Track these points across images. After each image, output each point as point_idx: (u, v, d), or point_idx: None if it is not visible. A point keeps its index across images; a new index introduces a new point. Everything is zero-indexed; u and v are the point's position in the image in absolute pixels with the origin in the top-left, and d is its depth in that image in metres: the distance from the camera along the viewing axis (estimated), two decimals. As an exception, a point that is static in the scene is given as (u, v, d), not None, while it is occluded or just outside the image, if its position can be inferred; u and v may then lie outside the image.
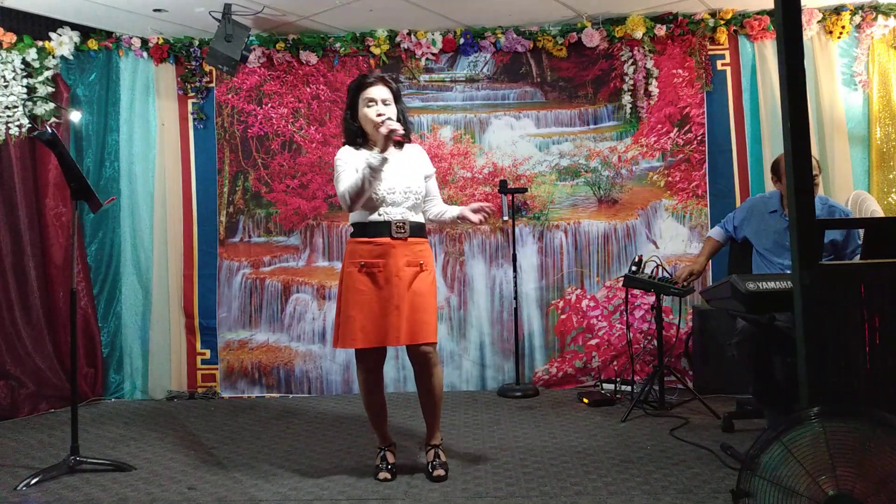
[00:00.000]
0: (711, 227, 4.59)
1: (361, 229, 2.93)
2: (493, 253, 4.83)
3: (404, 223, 2.90)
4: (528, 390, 4.53)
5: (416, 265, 2.91)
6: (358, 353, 2.94)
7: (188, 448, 3.56)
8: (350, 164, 2.88)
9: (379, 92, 2.92)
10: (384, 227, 2.89)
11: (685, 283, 3.76)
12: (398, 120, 2.96)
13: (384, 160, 2.79)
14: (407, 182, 2.93)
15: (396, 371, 4.73)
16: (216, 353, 4.84)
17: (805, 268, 1.97)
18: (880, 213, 4.18)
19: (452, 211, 3.08)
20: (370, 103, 2.91)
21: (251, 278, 4.87)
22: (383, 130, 2.77)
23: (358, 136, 2.98)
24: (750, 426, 3.55)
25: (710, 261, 3.90)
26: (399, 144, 2.99)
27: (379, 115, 2.87)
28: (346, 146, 3.00)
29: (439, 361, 3.04)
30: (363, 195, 2.83)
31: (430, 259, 2.99)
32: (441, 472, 2.94)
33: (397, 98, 3.00)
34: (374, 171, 2.78)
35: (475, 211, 2.98)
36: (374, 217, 2.89)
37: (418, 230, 2.97)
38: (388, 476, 2.96)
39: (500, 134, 4.86)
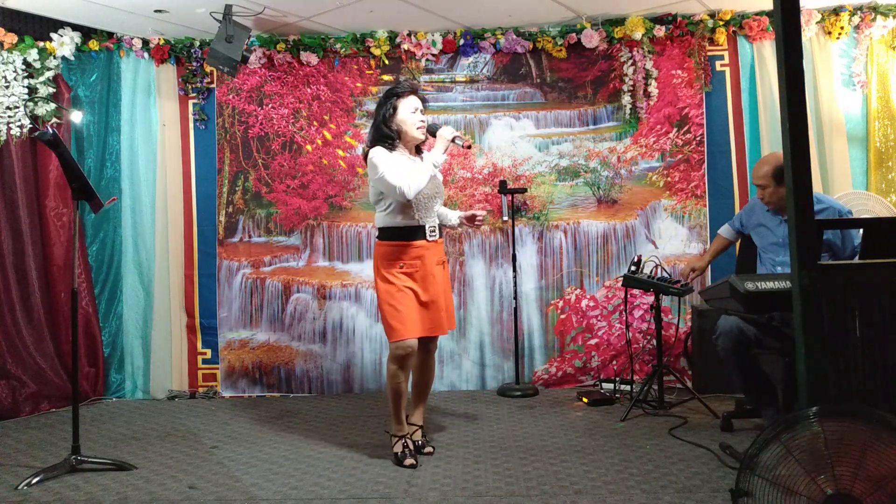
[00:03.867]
0: (710, 227, 4.62)
1: (395, 233, 3.13)
2: (492, 253, 4.83)
3: (435, 227, 3.20)
4: (528, 390, 4.54)
5: (441, 263, 3.25)
6: (403, 345, 3.07)
7: (189, 447, 3.57)
8: (393, 160, 3.08)
9: (418, 102, 3.23)
10: (419, 231, 3.14)
11: (686, 280, 3.78)
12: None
13: (444, 160, 3.18)
14: (435, 186, 3.19)
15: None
16: (217, 353, 4.85)
17: (804, 268, 1.99)
18: (876, 211, 4.18)
19: (452, 219, 3.39)
20: (414, 110, 3.18)
21: (251, 278, 4.87)
22: (446, 134, 3.13)
23: (395, 139, 3.16)
24: (749, 425, 3.57)
25: (716, 259, 3.91)
26: (418, 150, 3.25)
27: (422, 121, 3.19)
28: (378, 147, 3.13)
29: None
30: (424, 190, 3.09)
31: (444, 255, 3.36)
32: (431, 449, 3.32)
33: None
34: (436, 170, 3.14)
35: (468, 220, 3.32)
36: (409, 221, 3.13)
37: (441, 231, 3.29)
38: (414, 461, 3.11)
39: (499, 134, 4.87)
